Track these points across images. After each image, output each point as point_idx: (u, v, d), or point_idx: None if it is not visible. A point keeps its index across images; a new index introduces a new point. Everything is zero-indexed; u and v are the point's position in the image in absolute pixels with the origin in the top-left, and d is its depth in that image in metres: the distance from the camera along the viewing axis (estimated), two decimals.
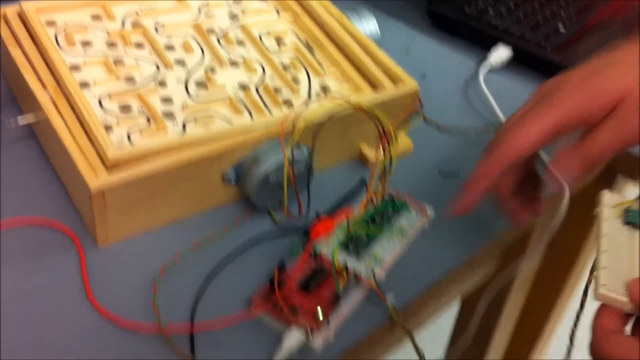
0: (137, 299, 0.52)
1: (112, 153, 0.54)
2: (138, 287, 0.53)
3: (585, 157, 0.49)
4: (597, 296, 0.46)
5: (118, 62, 0.64)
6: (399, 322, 0.53)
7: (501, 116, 0.71)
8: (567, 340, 0.51)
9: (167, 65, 0.64)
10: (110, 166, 0.54)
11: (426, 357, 0.52)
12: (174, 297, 0.53)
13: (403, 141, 0.67)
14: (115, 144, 0.56)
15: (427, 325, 0.62)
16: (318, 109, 0.58)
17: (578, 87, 0.49)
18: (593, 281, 0.46)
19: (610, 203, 0.49)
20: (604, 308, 0.46)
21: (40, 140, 0.63)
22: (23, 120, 0.60)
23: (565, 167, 0.49)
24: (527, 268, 0.80)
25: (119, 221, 0.55)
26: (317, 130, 0.58)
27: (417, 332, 0.55)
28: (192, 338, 0.50)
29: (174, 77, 0.64)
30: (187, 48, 0.67)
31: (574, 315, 0.50)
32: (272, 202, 0.59)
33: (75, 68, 0.62)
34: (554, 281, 0.87)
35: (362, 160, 0.66)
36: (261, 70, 0.66)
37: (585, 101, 0.49)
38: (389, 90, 0.64)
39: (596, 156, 0.49)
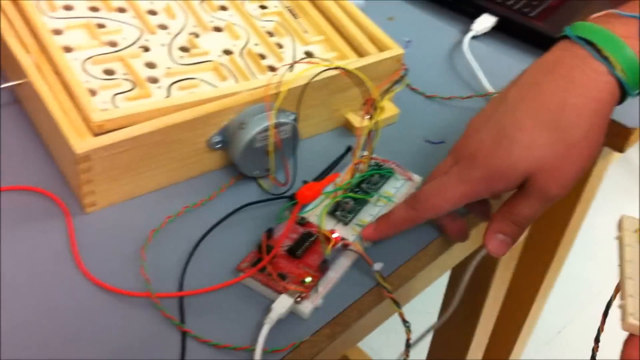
0: (126, 265, 0.52)
1: (96, 116, 0.53)
2: (126, 253, 0.53)
3: (512, 231, 0.54)
4: (625, 326, 0.45)
5: (101, 26, 0.63)
6: (386, 288, 0.53)
7: (486, 84, 0.71)
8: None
9: (150, 30, 0.64)
10: (95, 130, 0.53)
11: (417, 329, 0.53)
12: (162, 263, 0.52)
13: (389, 108, 0.67)
14: (99, 108, 0.55)
15: (418, 298, 0.62)
16: (302, 71, 0.58)
17: (487, 161, 0.52)
18: (619, 310, 0.45)
19: (631, 228, 0.49)
20: (633, 338, 0.45)
21: (24, 106, 0.62)
22: (6, 85, 0.59)
23: (497, 244, 0.54)
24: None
25: (106, 187, 0.55)
26: (302, 94, 0.57)
27: (408, 304, 0.55)
28: (181, 303, 0.50)
29: (157, 42, 0.63)
30: (169, 13, 0.66)
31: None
32: (259, 168, 0.59)
33: (57, 32, 0.61)
34: (544, 247, 0.87)
35: (347, 127, 0.66)
36: (245, 35, 0.66)
37: (491, 180, 0.52)
38: (374, 56, 0.64)
39: (523, 225, 0.54)
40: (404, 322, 0.52)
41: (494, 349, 0.97)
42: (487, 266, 0.80)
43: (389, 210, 0.56)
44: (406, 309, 0.53)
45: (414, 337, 0.53)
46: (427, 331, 0.67)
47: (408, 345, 0.53)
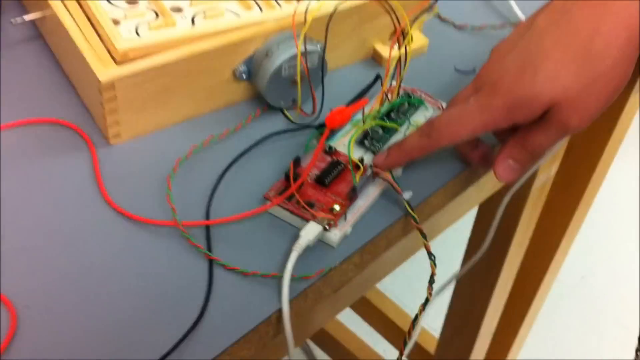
0: (151, 194, 0.52)
1: (121, 45, 0.52)
2: (152, 183, 0.52)
3: (525, 159, 0.52)
4: None
5: None
6: (414, 217, 0.52)
7: (518, 11, 0.69)
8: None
9: None
10: (120, 59, 0.52)
11: (440, 280, 0.52)
12: (188, 193, 0.52)
13: (418, 38, 0.65)
14: (123, 37, 0.54)
15: (441, 248, 0.61)
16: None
17: (510, 90, 0.49)
18: None
19: None
20: None
21: (46, 40, 0.61)
22: (30, 16, 0.58)
23: (506, 169, 0.53)
24: (544, 175, 0.79)
25: (130, 117, 0.54)
26: (329, 22, 0.56)
27: (435, 241, 0.54)
28: (207, 232, 0.50)
29: None
30: None
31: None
32: (285, 100, 0.58)
33: None
34: (572, 190, 0.86)
35: (376, 59, 0.64)
36: None
37: (513, 109, 0.50)
38: None
39: (537, 154, 0.52)
40: (429, 254, 0.51)
41: (517, 294, 0.96)
42: (515, 207, 0.78)
43: (402, 139, 0.55)
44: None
45: (436, 287, 0.52)
46: (453, 278, 0.66)
47: (432, 282, 0.51)
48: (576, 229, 0.93)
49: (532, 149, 0.52)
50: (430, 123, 0.53)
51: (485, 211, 0.79)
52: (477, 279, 0.87)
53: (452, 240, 0.92)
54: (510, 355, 1.10)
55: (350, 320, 1.29)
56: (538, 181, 0.75)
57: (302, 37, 0.54)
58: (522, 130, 0.52)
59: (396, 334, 1.23)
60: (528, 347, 1.22)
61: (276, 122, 0.58)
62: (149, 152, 0.54)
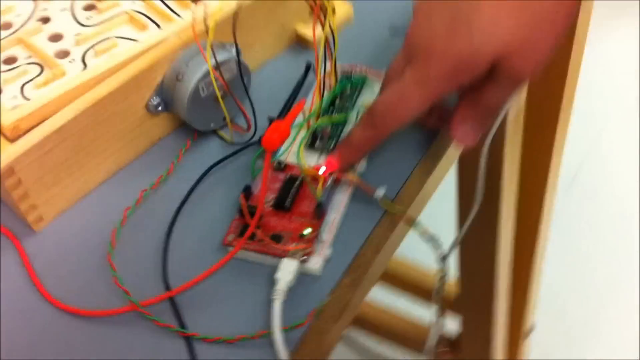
0: (96, 278, 0.44)
1: (7, 119, 0.44)
2: (92, 265, 0.45)
3: (482, 118, 0.46)
4: None
5: None
6: (397, 212, 0.45)
7: None
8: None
9: None
10: (11, 135, 0.44)
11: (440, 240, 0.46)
12: (135, 264, 0.44)
13: (341, 6, 0.57)
14: (8, 106, 0.46)
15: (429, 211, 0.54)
16: None
17: (445, 55, 0.42)
18: None
19: None
20: None
21: None
22: None
23: (465, 133, 0.46)
24: (514, 109, 0.72)
25: (46, 196, 0.46)
26: (236, 19, 0.48)
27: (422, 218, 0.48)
28: (173, 305, 0.42)
29: (57, 8, 0.53)
30: None
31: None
32: (215, 120, 0.51)
33: None
34: (549, 103, 0.79)
35: (301, 43, 0.57)
36: None
37: (453, 74, 0.43)
38: None
39: (494, 111, 0.46)
40: (431, 239, 0.45)
41: (522, 229, 0.90)
42: (496, 147, 0.72)
43: (348, 133, 0.48)
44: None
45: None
46: (456, 241, 0.59)
47: (444, 258, 0.45)
48: (562, 140, 0.87)
49: (488, 107, 0.45)
50: (371, 112, 0.46)
51: (467, 164, 0.72)
52: (478, 233, 0.81)
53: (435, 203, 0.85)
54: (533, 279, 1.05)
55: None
56: (510, 115, 0.68)
57: (208, 48, 0.47)
58: (472, 89, 0.45)
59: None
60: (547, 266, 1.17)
61: (212, 148, 0.50)
62: (80, 229, 0.47)
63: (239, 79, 0.49)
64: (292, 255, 0.42)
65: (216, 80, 0.47)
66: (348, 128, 0.49)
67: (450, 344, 1.13)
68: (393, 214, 0.46)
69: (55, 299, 0.43)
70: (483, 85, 0.44)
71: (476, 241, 0.82)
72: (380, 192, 0.45)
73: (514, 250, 0.91)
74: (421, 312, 1.20)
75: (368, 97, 0.51)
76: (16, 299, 0.44)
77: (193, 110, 0.48)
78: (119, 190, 0.48)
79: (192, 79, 0.47)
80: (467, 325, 1.05)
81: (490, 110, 0.45)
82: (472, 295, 0.94)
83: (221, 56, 0.48)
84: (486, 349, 1.01)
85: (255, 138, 0.50)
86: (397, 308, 1.24)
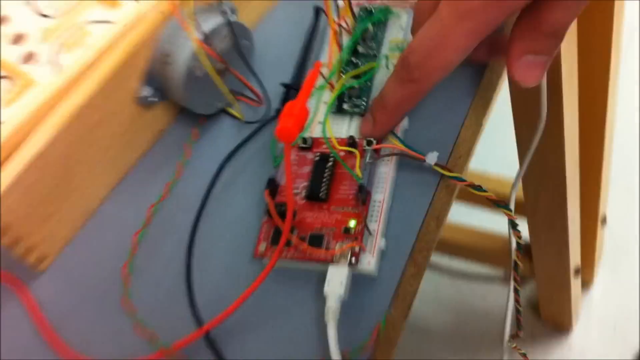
0: (114, 318, 0.37)
1: None
2: (107, 302, 0.38)
3: (547, 48, 0.36)
4: None
5: None
6: (454, 177, 0.37)
7: None
8: None
9: None
10: None
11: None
12: (156, 299, 0.37)
13: None
14: None
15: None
16: None
17: None
18: None
19: None
20: None
21: None
22: None
23: (528, 69, 0.36)
24: None
25: (43, 232, 0.39)
26: None
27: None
28: (209, 342, 0.35)
29: (12, 3, 0.45)
30: None
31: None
32: (219, 99, 0.42)
33: None
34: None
35: None
36: None
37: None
38: None
39: (560, 35, 0.36)
40: (497, 204, 0.37)
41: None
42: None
43: (380, 93, 0.38)
44: None
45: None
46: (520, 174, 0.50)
47: (514, 226, 0.38)
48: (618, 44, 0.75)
49: (553, 30, 0.35)
50: (405, 62, 0.36)
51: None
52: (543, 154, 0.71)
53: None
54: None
55: None
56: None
57: (191, 18, 0.38)
58: (528, 14, 0.35)
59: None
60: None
61: (224, 130, 0.43)
62: (88, 262, 0.40)
63: (235, 47, 0.41)
64: (338, 259, 0.35)
65: (207, 55, 0.39)
66: (380, 78, 0.40)
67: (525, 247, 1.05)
68: (452, 180, 0.37)
69: (70, 346, 0.37)
70: (540, 5, 0.34)
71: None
72: (432, 158, 0.37)
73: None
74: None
75: (396, 32, 0.42)
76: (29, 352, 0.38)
77: (191, 93, 0.40)
78: (124, 207, 0.41)
79: (181, 60, 0.39)
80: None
81: (556, 34, 0.35)
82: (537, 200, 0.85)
83: (209, 24, 0.39)
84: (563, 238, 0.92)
85: (271, 112, 0.41)
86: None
